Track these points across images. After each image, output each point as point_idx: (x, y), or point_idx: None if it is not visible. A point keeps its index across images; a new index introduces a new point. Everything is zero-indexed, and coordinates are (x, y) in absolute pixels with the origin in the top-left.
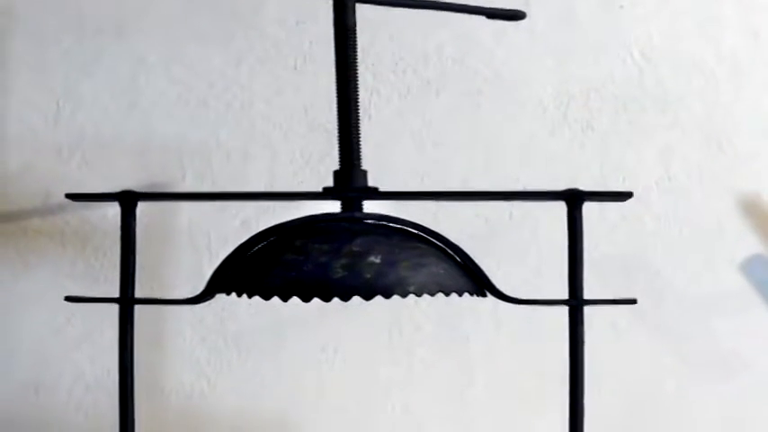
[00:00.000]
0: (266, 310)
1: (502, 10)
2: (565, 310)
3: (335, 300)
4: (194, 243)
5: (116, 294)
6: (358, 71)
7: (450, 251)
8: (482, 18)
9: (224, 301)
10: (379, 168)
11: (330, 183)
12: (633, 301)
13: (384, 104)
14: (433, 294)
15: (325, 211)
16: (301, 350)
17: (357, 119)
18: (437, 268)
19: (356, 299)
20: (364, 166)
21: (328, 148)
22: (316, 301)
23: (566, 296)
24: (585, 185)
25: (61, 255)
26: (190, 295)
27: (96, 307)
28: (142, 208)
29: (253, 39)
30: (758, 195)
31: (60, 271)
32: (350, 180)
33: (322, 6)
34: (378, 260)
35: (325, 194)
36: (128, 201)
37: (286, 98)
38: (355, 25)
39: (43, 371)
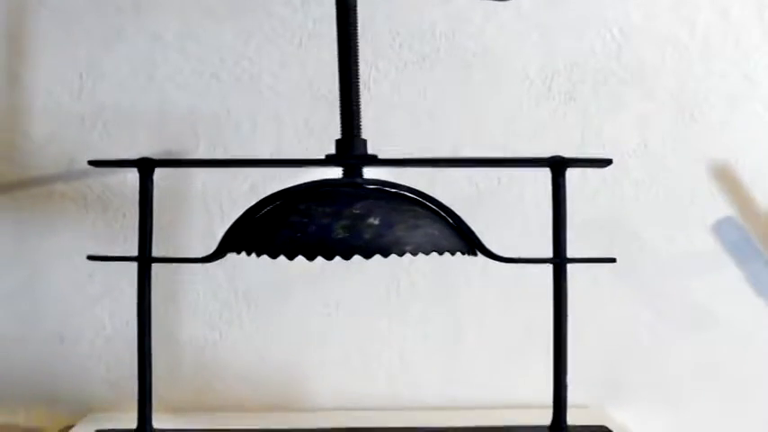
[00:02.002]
0: (273, 268)
1: None
2: (549, 267)
3: (337, 258)
4: (207, 206)
5: (135, 253)
6: (358, 47)
7: (443, 213)
8: None
9: (234, 260)
10: (377, 137)
11: (332, 150)
12: (613, 260)
13: (382, 78)
14: (427, 253)
15: (327, 177)
16: (306, 305)
17: (357, 91)
18: (431, 229)
19: (356, 257)
20: (364, 135)
21: (331, 118)
22: (319, 259)
23: (550, 255)
24: (568, 153)
25: (84, 217)
26: (203, 254)
27: (116, 265)
28: (159, 174)
29: (261, 17)
30: (728, 162)
31: (83, 232)
32: (351, 148)
33: None
34: (377, 222)
35: (328, 161)
36: (145, 167)
37: (291, 72)
38: (356, 4)
39: (67, 323)
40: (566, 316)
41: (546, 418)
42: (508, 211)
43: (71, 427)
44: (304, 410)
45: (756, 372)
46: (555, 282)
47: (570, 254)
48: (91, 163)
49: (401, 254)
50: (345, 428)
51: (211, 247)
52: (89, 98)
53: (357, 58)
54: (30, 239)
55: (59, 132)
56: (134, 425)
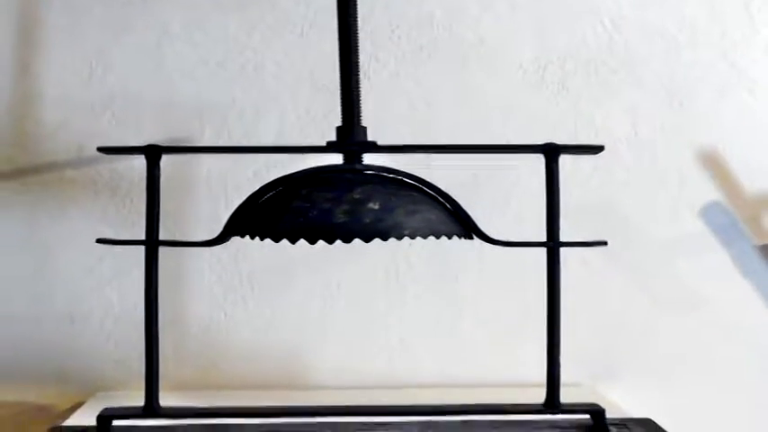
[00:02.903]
0: (276, 252)
1: None
2: (543, 251)
3: (338, 242)
4: (212, 191)
5: (142, 237)
6: (358, 37)
7: (440, 198)
8: None
9: (239, 243)
10: (377, 124)
11: (333, 137)
12: (604, 243)
13: (381, 67)
14: (425, 237)
15: (328, 163)
16: (308, 287)
17: (357, 80)
18: (429, 214)
19: (357, 241)
20: (364, 122)
21: (331, 106)
22: (320, 243)
23: (544, 239)
24: (561, 140)
25: (93, 202)
26: (208, 238)
27: (125, 248)
28: (165, 160)
29: (264, 8)
30: (715, 148)
31: (93, 216)
32: (351, 135)
33: None
34: (376, 207)
35: (329, 148)
36: (153, 153)
37: (294, 62)
38: None
39: (77, 304)
40: (559, 298)
41: (540, 396)
42: (503, 196)
43: (81, 404)
44: (305, 389)
45: (743, 350)
46: (548, 265)
47: (563, 238)
48: (100, 149)
49: (400, 237)
50: (345, 406)
51: (216, 230)
52: (98, 87)
53: (357, 49)
54: (41, 223)
55: (70, 120)
56: (142, 402)
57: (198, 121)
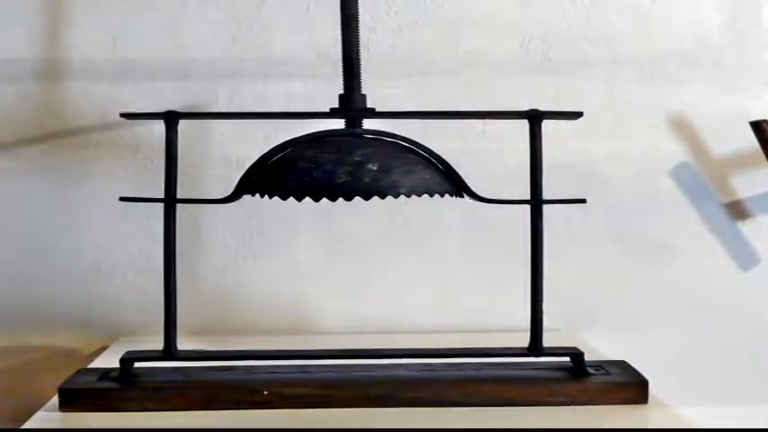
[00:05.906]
0: (284, 208)
1: None
2: (527, 208)
3: (340, 200)
4: (225, 153)
5: (162, 195)
6: (359, 12)
7: (433, 160)
8: None
9: (250, 201)
10: (376, 92)
11: (336, 104)
12: (583, 201)
13: (380, 40)
14: (420, 195)
15: (331, 128)
16: (312, 241)
17: (358, 51)
18: (423, 174)
19: (357, 199)
20: (364, 90)
21: (334, 75)
22: (324, 200)
23: (528, 197)
24: (544, 107)
25: (116, 163)
26: (222, 196)
27: (145, 205)
28: (182, 125)
29: None
30: (684, 114)
31: (116, 176)
32: (352, 102)
33: None
34: (375, 168)
35: (332, 114)
36: (171, 119)
37: (300, 34)
38: None
39: (102, 257)
40: (542, 251)
41: (524, 340)
42: (491, 157)
43: (105, 348)
44: (310, 333)
45: (709, 298)
46: (532, 221)
47: (545, 195)
48: (122, 115)
49: (397, 196)
50: (347, 350)
51: (229, 189)
52: (121, 58)
53: (357, 23)
54: (69, 183)
55: (95, 88)
56: (161, 346)
57: (212, 89)
